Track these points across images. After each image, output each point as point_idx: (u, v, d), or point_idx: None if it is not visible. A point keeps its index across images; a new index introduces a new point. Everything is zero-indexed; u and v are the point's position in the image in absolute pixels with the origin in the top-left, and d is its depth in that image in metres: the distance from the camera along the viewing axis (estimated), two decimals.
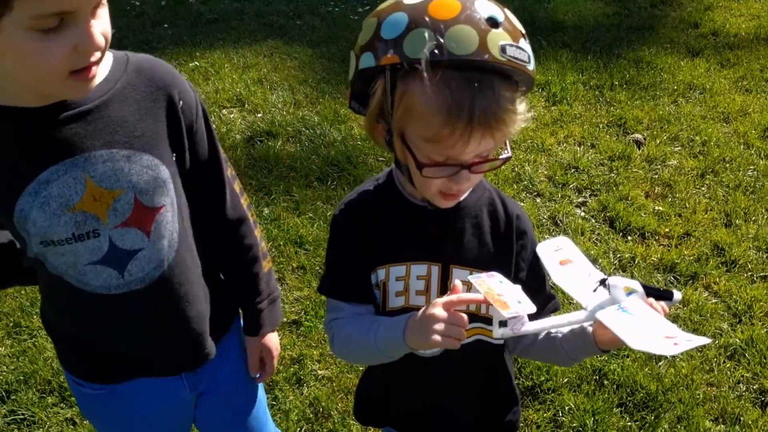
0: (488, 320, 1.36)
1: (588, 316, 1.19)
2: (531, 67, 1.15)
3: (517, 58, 1.11)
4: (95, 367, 1.43)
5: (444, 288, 1.33)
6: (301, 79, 4.79)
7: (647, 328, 1.11)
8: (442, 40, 1.07)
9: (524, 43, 1.13)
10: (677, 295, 1.23)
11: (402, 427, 1.58)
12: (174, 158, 1.30)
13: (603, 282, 1.20)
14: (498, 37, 1.09)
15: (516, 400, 1.57)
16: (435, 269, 1.33)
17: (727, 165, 3.88)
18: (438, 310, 1.14)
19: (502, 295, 1.17)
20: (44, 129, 1.14)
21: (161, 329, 1.38)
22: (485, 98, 1.10)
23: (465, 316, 1.15)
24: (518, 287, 1.20)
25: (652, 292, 1.21)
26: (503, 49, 1.09)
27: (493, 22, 1.09)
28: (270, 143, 4.03)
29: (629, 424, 2.43)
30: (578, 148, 4.02)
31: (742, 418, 2.46)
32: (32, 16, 0.96)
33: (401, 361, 1.32)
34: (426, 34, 1.08)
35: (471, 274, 1.33)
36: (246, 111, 4.40)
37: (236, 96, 4.53)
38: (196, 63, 4.97)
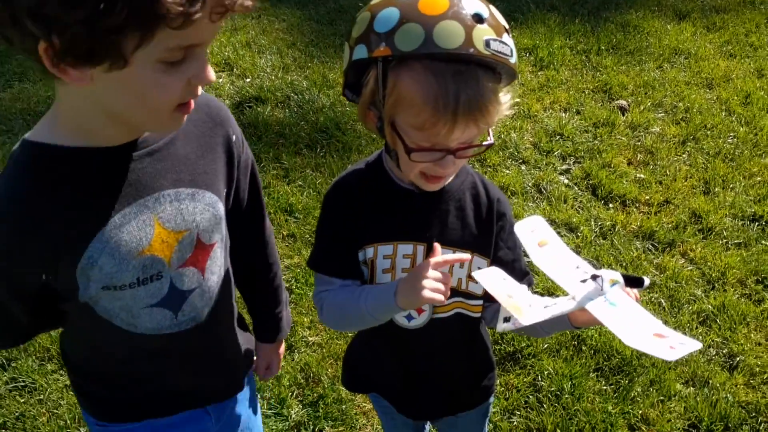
0: (468, 295, 1.47)
1: (577, 306, 1.26)
2: (513, 60, 1.22)
3: (500, 52, 1.18)
4: (124, 406, 1.40)
5: None
6: (290, 42, 4.79)
7: (635, 322, 1.18)
8: (431, 35, 1.15)
9: (507, 38, 1.21)
10: (646, 281, 1.32)
11: (386, 394, 1.69)
12: (225, 192, 1.29)
13: (594, 277, 1.27)
14: (482, 32, 1.16)
15: (492, 366, 1.69)
16: (420, 249, 1.41)
17: (709, 132, 3.96)
18: (426, 270, 1.25)
19: (512, 297, 1.24)
20: (117, 170, 1.11)
21: (201, 365, 1.38)
22: (469, 89, 1.18)
23: (448, 274, 1.27)
24: (524, 287, 1.29)
25: (627, 280, 1.29)
26: (487, 44, 1.17)
27: (478, 18, 1.17)
28: (259, 109, 4.06)
29: (604, 387, 2.57)
30: (563, 115, 4.08)
31: (710, 381, 2.59)
32: (167, 48, 0.93)
33: (386, 332, 1.43)
34: (416, 29, 1.15)
35: (454, 253, 1.42)
36: (234, 75, 4.41)
37: (225, 60, 4.53)
38: None
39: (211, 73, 1.02)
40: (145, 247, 1.14)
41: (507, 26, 1.23)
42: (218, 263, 1.30)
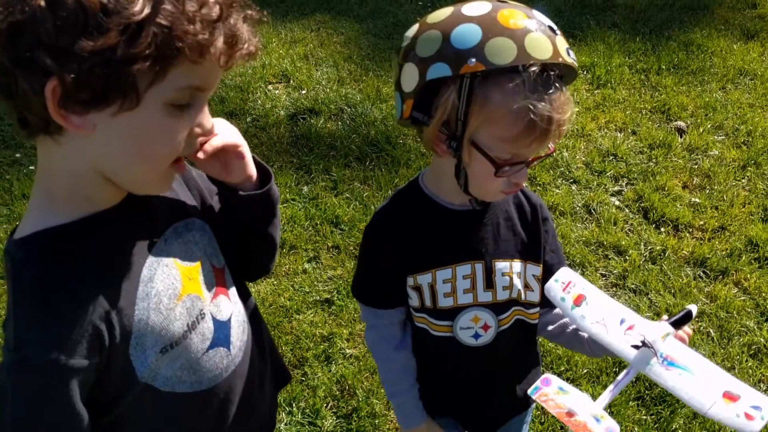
0: (527, 304, 1.48)
1: (633, 375, 1.25)
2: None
3: (574, 59, 1.24)
4: None
5: (489, 282, 1.43)
6: (347, 55, 4.85)
7: (700, 379, 1.16)
8: (523, 47, 1.17)
9: None
10: (693, 310, 1.30)
11: (452, 413, 1.64)
12: (200, 208, 1.25)
13: (644, 343, 1.24)
14: (562, 42, 1.22)
15: (538, 360, 1.69)
16: (479, 267, 1.42)
17: None
18: None
19: (577, 414, 1.18)
20: (125, 227, 1.07)
21: (254, 403, 1.31)
22: (559, 100, 1.22)
23: None
24: (585, 395, 1.24)
25: (675, 323, 1.28)
26: (567, 52, 1.22)
27: (552, 30, 1.22)
28: (312, 121, 4.13)
29: (644, 417, 2.50)
30: (618, 135, 4.00)
31: None
32: (178, 87, 0.90)
33: (451, 353, 1.47)
34: (506, 43, 1.17)
35: (518, 269, 1.45)
36: (291, 87, 4.49)
37: (282, 72, 4.62)
38: None
39: (211, 122, 0.99)
40: (181, 289, 1.10)
41: None
42: (233, 284, 1.27)
